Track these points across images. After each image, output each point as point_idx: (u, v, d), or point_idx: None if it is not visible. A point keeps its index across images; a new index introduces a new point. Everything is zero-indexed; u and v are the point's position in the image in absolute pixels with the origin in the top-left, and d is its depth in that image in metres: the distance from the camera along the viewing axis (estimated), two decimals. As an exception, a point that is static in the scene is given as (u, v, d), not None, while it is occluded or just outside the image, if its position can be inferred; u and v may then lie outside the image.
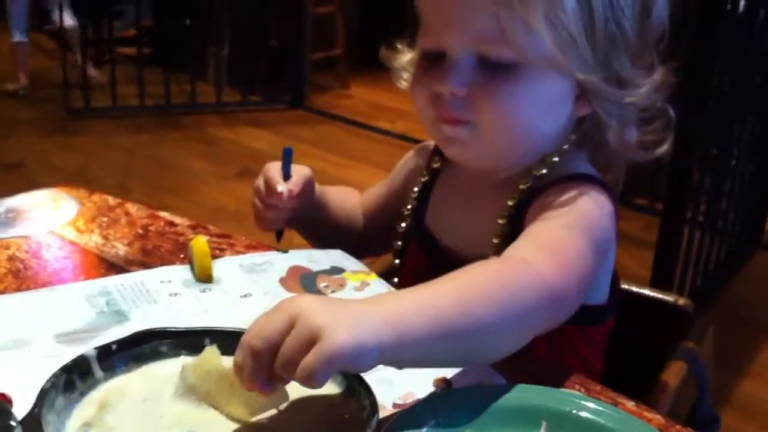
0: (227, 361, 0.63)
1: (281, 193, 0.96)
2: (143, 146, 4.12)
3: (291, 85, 4.88)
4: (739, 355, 2.39)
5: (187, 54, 4.71)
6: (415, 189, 1.02)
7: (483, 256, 0.78)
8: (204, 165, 3.91)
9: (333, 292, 0.89)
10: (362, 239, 1.11)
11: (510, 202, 0.90)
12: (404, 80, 0.98)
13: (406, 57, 0.99)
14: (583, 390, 0.75)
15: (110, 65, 4.49)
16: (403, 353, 0.63)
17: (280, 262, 0.94)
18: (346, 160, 4.00)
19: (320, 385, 0.59)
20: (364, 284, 0.91)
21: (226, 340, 0.67)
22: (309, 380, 0.58)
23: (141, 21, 5.01)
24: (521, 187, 0.89)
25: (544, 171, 0.89)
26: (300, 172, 0.99)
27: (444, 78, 0.84)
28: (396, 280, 1.01)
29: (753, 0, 2.49)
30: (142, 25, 5.00)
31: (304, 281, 0.91)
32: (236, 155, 4.03)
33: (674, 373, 0.96)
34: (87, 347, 0.67)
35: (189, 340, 0.70)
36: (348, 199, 1.14)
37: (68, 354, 0.67)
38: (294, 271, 0.93)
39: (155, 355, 0.70)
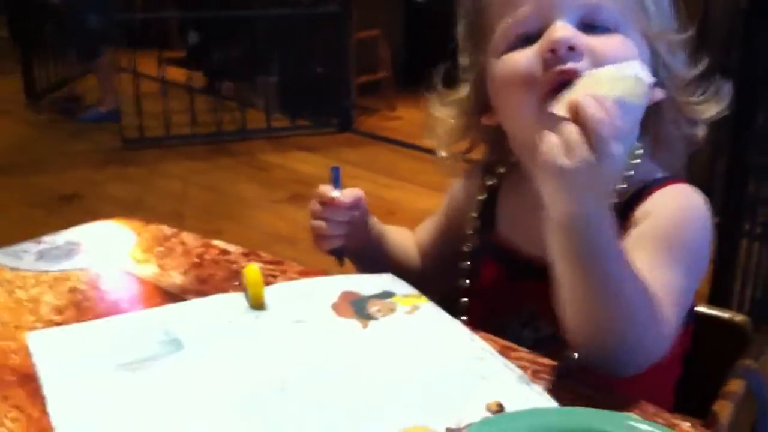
0: None
1: (334, 200, 0.99)
2: (196, 174, 4.20)
3: (338, 109, 4.93)
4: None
5: (237, 82, 4.80)
6: (474, 210, 1.05)
7: None
8: (256, 190, 3.97)
9: (384, 316, 0.90)
10: (420, 276, 1.12)
11: None
12: (437, 135, 1.02)
13: (437, 111, 1.02)
14: (638, 412, 0.74)
15: (162, 95, 4.59)
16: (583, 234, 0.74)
17: (331, 288, 0.95)
18: (394, 181, 4.02)
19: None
20: (415, 308, 0.92)
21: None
22: None
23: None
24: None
25: (631, 172, 0.92)
26: (351, 190, 1.03)
27: (557, 32, 0.84)
28: (465, 299, 1.03)
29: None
30: (193, 56, 5.11)
31: (356, 306, 0.92)
32: (287, 180, 4.08)
33: (733, 392, 0.94)
34: (147, 375, 0.69)
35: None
36: (404, 236, 1.16)
37: (130, 383, 0.69)
38: (345, 296, 0.94)
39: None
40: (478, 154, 1.06)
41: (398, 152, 4.54)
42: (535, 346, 0.96)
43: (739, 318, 1.05)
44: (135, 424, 0.71)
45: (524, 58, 0.86)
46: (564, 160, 0.71)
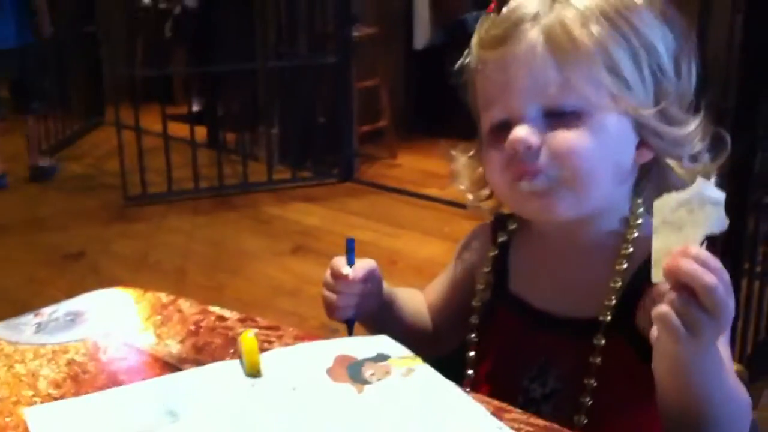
0: None
1: (347, 276, 1.01)
2: (199, 228, 4.23)
3: (340, 159, 4.97)
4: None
5: (239, 134, 4.84)
6: (486, 266, 1.08)
7: (589, 315, 0.83)
8: (259, 243, 3.98)
9: (379, 380, 0.90)
10: (431, 336, 1.15)
11: (618, 267, 0.95)
12: (463, 183, 1.08)
13: (461, 161, 1.07)
14: (631, 472, 0.74)
15: (165, 150, 4.63)
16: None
17: (326, 352, 0.96)
18: (396, 229, 4.04)
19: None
20: (410, 370, 0.92)
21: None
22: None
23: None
24: (622, 252, 0.96)
25: (636, 234, 0.96)
26: (364, 262, 1.05)
27: (516, 134, 0.91)
28: (472, 354, 1.06)
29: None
30: (193, 111, 5.16)
31: (351, 370, 0.93)
32: (289, 232, 4.11)
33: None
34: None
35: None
36: (415, 298, 1.17)
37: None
38: (340, 360, 0.95)
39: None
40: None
41: (399, 200, 4.57)
42: (543, 400, 0.98)
43: (735, 368, 1.05)
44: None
45: (496, 158, 0.95)
46: (687, 334, 0.73)
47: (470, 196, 1.09)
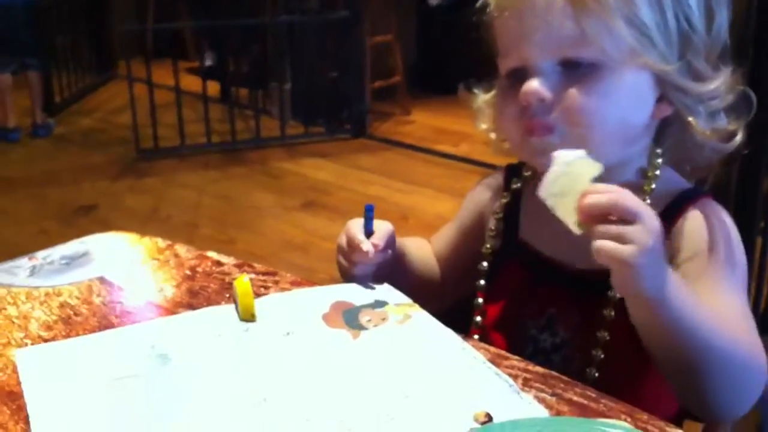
0: None
1: (367, 252, 0.97)
2: (211, 183, 4.21)
3: (353, 115, 4.93)
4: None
5: (251, 90, 4.80)
6: (497, 212, 1.06)
7: (599, 267, 0.81)
8: (270, 198, 3.97)
9: (375, 326, 0.89)
10: (439, 286, 1.13)
11: None
12: (482, 122, 1.05)
13: (481, 98, 1.04)
14: (629, 420, 0.72)
15: (177, 104, 4.60)
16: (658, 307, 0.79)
17: (323, 298, 0.94)
18: (409, 186, 4.01)
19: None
20: (407, 317, 0.90)
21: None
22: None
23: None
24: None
25: (653, 186, 0.94)
26: (382, 227, 1.00)
27: (530, 86, 0.88)
28: (480, 300, 1.04)
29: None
30: (209, 76, 5.11)
31: (347, 316, 0.91)
32: (301, 187, 4.08)
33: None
34: (131, 391, 0.68)
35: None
36: (423, 248, 1.15)
37: (113, 399, 0.68)
38: (337, 306, 0.93)
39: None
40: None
41: (412, 157, 4.53)
42: (553, 350, 0.96)
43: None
44: (116, 441, 0.70)
45: (509, 108, 0.93)
46: (626, 249, 0.76)
47: (492, 135, 1.06)
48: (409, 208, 3.66)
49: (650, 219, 0.77)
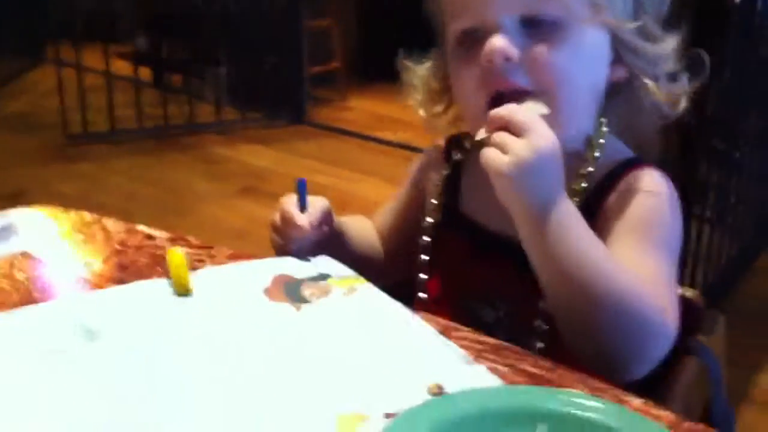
0: None
1: (301, 227, 0.92)
2: (145, 169, 4.09)
3: (290, 101, 4.85)
4: (754, 351, 2.32)
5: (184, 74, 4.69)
6: (437, 185, 1.02)
7: None
8: (206, 184, 3.87)
9: (318, 299, 0.84)
10: (383, 263, 1.09)
11: (575, 187, 0.89)
12: (415, 98, 1.01)
13: (418, 73, 1.00)
14: (586, 389, 0.70)
15: (108, 88, 4.46)
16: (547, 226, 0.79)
17: (263, 271, 0.89)
18: (347, 172, 3.96)
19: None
20: (352, 290, 0.86)
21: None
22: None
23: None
24: (581, 172, 0.90)
25: (597, 154, 0.91)
26: (317, 203, 0.96)
27: (493, 44, 0.83)
28: (424, 276, 1.00)
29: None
30: (137, 49, 4.99)
31: (288, 289, 0.86)
32: (238, 173, 4.00)
33: (685, 369, 0.90)
34: (58, 368, 0.63)
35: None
36: (364, 225, 1.11)
37: (43, 376, 0.63)
38: (278, 280, 0.88)
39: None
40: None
41: (351, 143, 4.48)
42: (496, 325, 0.93)
43: (690, 293, 1.02)
44: (37, 418, 0.64)
45: (468, 75, 0.88)
46: (503, 158, 0.77)
47: (422, 112, 1.02)
48: (349, 195, 3.61)
49: (539, 138, 0.78)
